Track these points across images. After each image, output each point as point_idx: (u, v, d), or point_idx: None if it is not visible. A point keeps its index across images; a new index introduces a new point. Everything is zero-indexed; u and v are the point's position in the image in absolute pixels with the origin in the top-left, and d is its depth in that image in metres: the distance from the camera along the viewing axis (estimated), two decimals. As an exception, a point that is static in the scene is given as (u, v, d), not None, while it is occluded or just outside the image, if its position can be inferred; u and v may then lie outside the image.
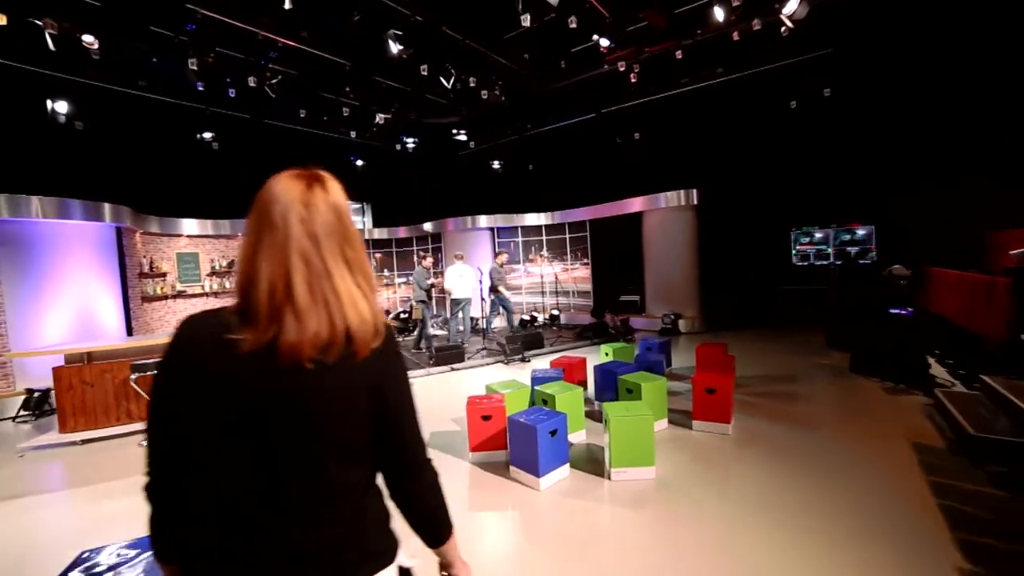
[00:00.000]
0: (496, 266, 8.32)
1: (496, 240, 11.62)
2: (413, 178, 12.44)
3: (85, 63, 6.54)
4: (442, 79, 7.40)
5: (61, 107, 6.87)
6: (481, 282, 8.25)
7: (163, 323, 8.28)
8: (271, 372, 0.81)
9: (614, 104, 9.48)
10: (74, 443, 4.72)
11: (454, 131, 9.94)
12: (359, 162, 11.45)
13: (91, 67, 6.76)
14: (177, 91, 7.96)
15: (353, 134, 9.96)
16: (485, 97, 7.85)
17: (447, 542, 1.00)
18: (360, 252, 0.90)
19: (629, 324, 8.93)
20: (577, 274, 11.16)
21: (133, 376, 4.69)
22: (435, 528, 0.99)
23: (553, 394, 3.95)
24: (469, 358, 7.42)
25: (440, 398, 5.55)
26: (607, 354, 5.96)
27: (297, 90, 8.12)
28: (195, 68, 6.37)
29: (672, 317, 8.77)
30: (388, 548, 0.93)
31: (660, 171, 9.44)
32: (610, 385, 4.58)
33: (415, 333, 8.37)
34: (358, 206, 13.55)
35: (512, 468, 3.45)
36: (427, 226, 11.89)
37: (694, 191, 8.77)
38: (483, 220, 11.27)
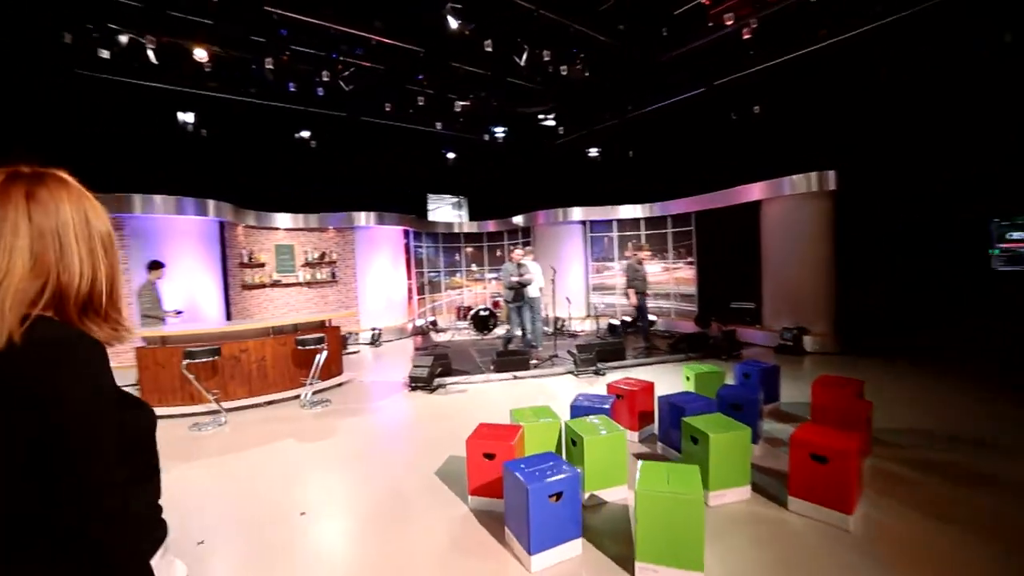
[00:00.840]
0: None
1: (588, 234, 10.60)
2: (503, 170, 11.96)
3: (202, 76, 7.10)
4: (515, 58, 6.67)
5: (187, 117, 7.64)
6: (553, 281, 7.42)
7: (261, 309, 8.93)
8: None
9: (729, 74, 7.84)
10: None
11: (540, 117, 9.16)
12: (451, 155, 11.29)
13: (208, 79, 7.33)
14: (277, 95, 8.41)
15: (439, 125, 9.74)
16: (565, 73, 6.94)
17: None
18: None
19: (735, 337, 7.33)
20: (680, 275, 9.66)
21: (184, 362, 4.82)
22: None
23: (582, 435, 3.02)
24: (537, 365, 6.65)
25: (488, 410, 4.87)
26: (688, 378, 4.75)
27: (380, 83, 8.05)
28: (271, 67, 6.55)
29: (794, 332, 6.98)
30: None
31: (785, 150, 7.60)
32: (677, 424, 3.47)
33: (503, 335, 7.71)
34: (456, 199, 13.53)
35: (507, 530, 2.64)
36: (517, 219, 11.33)
37: (831, 173, 6.84)
38: (576, 213, 10.35)
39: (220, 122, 8.14)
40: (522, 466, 2.61)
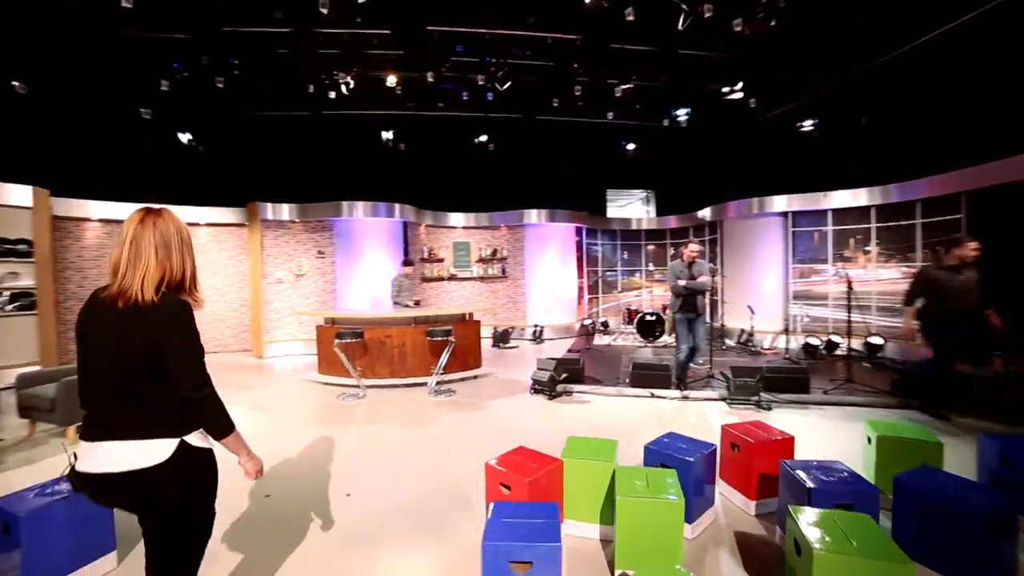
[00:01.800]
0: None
1: (790, 229, 8.42)
2: (689, 159, 10.50)
3: (401, 98, 8.27)
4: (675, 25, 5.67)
5: (388, 134, 9.10)
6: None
7: (439, 300, 9.97)
8: None
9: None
10: (316, 382, 6.21)
11: (725, 90, 7.62)
12: (630, 146, 10.51)
13: (406, 100, 8.51)
14: (459, 105, 9.18)
15: (611, 115, 9.12)
16: (741, 29, 5.57)
17: (227, 439, 1.54)
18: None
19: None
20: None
21: (335, 341, 5.66)
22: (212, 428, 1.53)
23: (620, 494, 2.29)
24: (687, 385, 5.58)
25: (594, 426, 4.29)
26: (869, 440, 3.22)
27: (546, 81, 7.97)
28: (432, 79, 7.13)
29: None
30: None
31: None
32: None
33: (679, 358, 5.62)
34: (643, 194, 12.61)
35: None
36: (703, 213, 9.83)
37: None
38: (776, 203, 8.37)
39: (409, 134, 9.37)
40: (507, 513, 2.11)
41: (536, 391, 5.65)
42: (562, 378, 5.73)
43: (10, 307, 6.32)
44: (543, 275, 10.03)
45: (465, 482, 3.30)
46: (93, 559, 2.34)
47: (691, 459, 2.67)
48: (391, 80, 7.61)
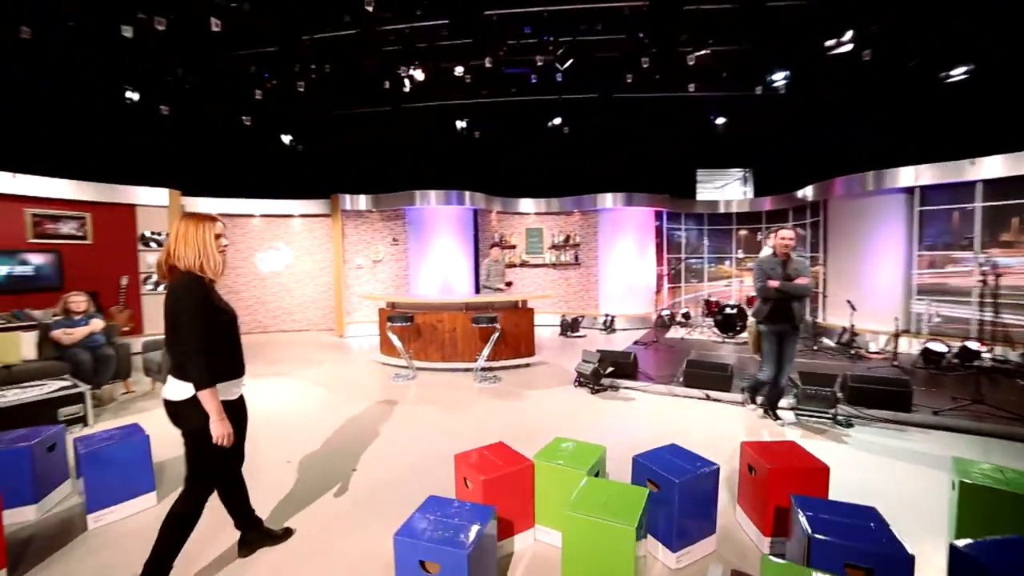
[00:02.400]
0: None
1: (916, 208, 6.89)
2: (789, 131, 9.09)
3: (473, 87, 8.36)
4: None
5: (461, 123, 9.27)
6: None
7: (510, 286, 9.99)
8: None
9: None
10: (379, 363, 6.64)
11: (829, 44, 6.38)
12: (719, 120, 9.43)
13: (480, 87, 8.57)
14: (533, 89, 8.98)
15: (692, 87, 8.24)
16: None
17: (201, 393, 1.96)
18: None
19: None
20: None
21: (388, 324, 5.96)
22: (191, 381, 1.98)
23: (573, 511, 2.07)
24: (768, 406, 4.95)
25: (627, 426, 4.00)
26: (953, 485, 2.51)
27: (620, 54, 7.45)
28: (490, 65, 7.02)
29: None
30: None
31: None
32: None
33: (751, 379, 4.62)
34: (741, 173, 11.32)
35: None
36: (804, 192, 8.52)
37: None
38: (901, 175, 6.93)
39: (483, 122, 9.40)
40: (436, 510, 2.03)
41: (580, 383, 5.40)
42: (607, 372, 5.40)
43: (153, 286, 7.69)
44: (618, 262, 9.51)
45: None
46: (137, 495, 2.89)
47: (676, 479, 2.31)
48: (459, 70, 7.69)
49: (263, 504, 2.79)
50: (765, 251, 5.28)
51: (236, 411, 2.18)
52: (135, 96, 6.76)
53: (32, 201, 6.45)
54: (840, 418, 4.14)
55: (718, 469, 2.48)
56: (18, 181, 6.31)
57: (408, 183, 8.83)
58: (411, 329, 6.37)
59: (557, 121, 9.30)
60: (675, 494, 2.28)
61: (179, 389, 2.00)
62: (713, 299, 8.43)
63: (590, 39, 7.25)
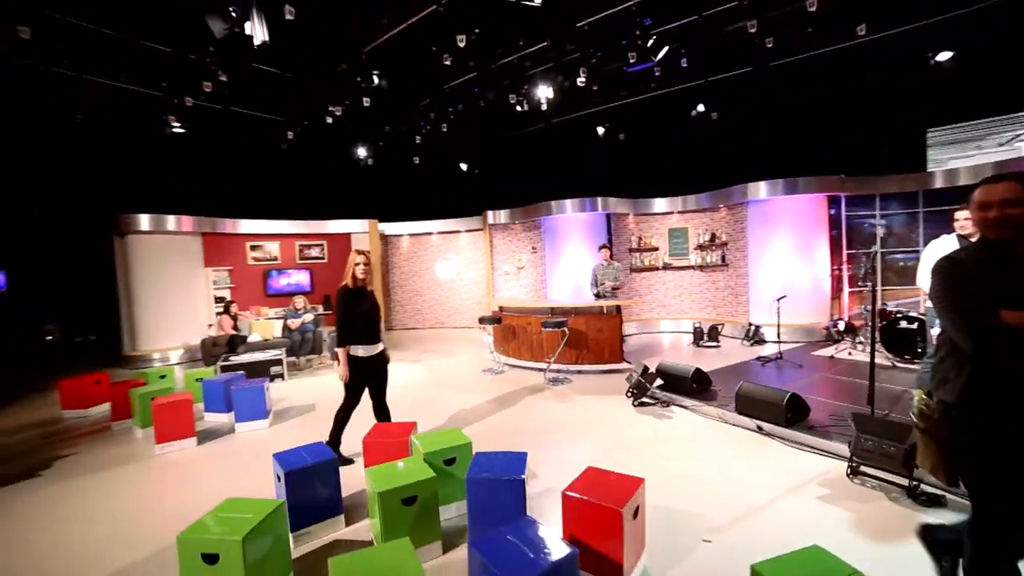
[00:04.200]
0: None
1: None
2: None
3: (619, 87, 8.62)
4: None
5: (600, 129, 9.58)
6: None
7: (650, 290, 9.57)
8: None
9: None
10: (491, 358, 7.73)
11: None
12: (943, 56, 6.97)
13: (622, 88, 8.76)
14: (668, 79, 8.54)
15: (862, 29, 6.43)
16: None
17: (339, 350, 3.58)
18: None
19: None
20: None
21: (480, 324, 6.95)
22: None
23: (380, 511, 2.66)
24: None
25: (632, 439, 4.02)
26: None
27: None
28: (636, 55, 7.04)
29: None
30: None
31: None
32: None
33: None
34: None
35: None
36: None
37: None
38: None
39: (624, 122, 9.37)
40: (290, 458, 2.90)
41: (629, 393, 5.26)
42: (655, 384, 5.09)
43: (368, 290, 10.72)
44: (773, 262, 8.07)
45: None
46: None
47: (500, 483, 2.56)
48: (581, 79, 8.10)
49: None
50: (947, 241, 3.55)
51: (366, 364, 3.65)
52: (363, 152, 9.68)
53: (294, 236, 9.97)
54: (922, 494, 3.02)
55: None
56: (287, 224, 9.87)
57: (545, 194, 9.62)
58: (507, 330, 7.20)
59: (700, 108, 8.56)
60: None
61: (376, 347, 3.72)
62: (892, 307, 6.29)
63: (714, 11, 6.54)
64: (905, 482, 3.01)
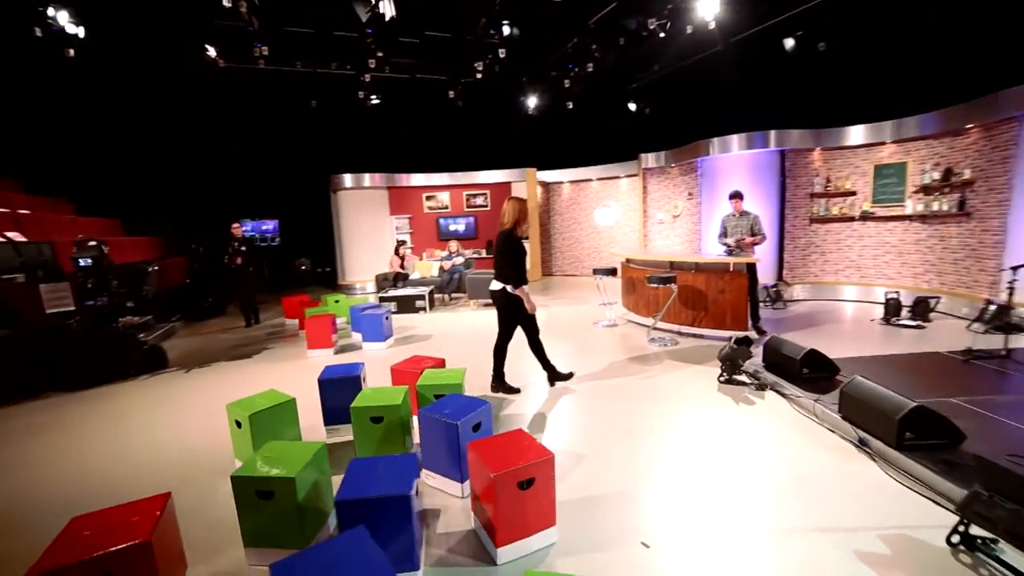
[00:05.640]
0: None
1: None
2: None
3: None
4: None
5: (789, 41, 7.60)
6: None
7: (838, 246, 7.43)
8: None
9: None
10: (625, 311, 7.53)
11: None
12: None
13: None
14: None
15: None
16: None
17: (518, 288, 3.91)
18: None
19: None
20: None
21: (595, 275, 6.77)
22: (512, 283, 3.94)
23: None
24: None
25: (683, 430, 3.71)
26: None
27: None
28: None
29: None
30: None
31: None
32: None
33: None
34: None
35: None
36: None
37: None
38: None
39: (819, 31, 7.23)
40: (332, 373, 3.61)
41: (723, 368, 4.53)
42: (745, 365, 4.25)
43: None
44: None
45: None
46: (380, 340, 5.68)
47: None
48: None
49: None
50: None
51: (528, 300, 3.96)
52: (531, 102, 10.09)
53: (461, 187, 11.07)
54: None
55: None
56: (455, 176, 10.99)
57: (703, 131, 8.30)
58: (628, 283, 6.82)
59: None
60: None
61: (496, 285, 3.97)
62: None
63: None
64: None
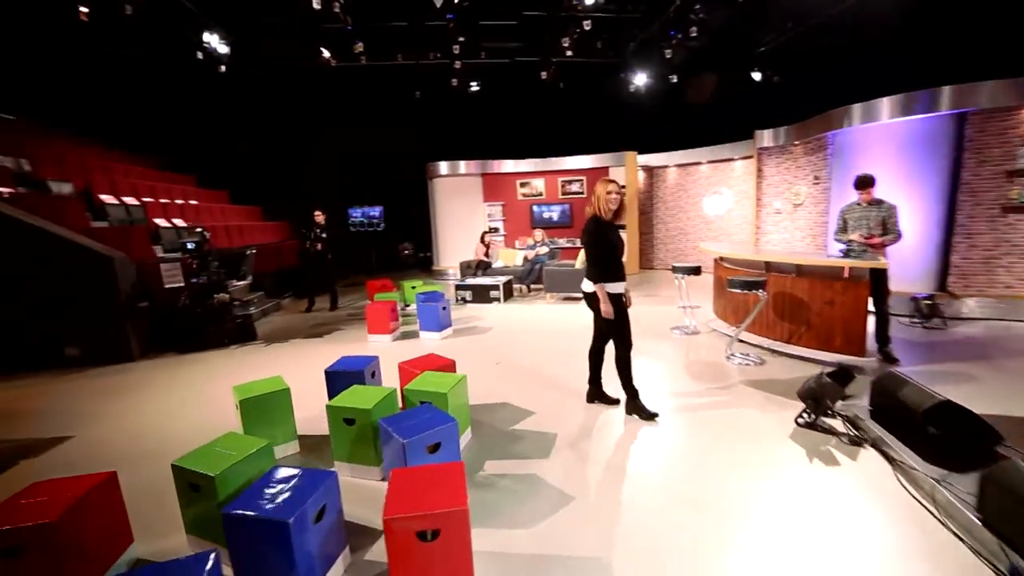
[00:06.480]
0: None
1: None
2: None
3: None
4: None
5: None
6: None
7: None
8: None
9: None
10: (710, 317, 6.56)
11: None
12: None
13: None
14: None
15: None
16: None
17: (595, 286, 3.26)
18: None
19: None
20: None
21: (674, 274, 5.90)
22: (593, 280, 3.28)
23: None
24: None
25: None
26: None
27: None
28: None
29: None
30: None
31: None
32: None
33: None
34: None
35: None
36: None
37: None
38: None
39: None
40: (342, 365, 3.61)
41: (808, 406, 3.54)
42: (841, 406, 3.23)
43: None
44: None
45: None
46: (442, 329, 5.74)
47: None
48: None
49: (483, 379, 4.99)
50: None
51: (617, 302, 3.29)
52: (639, 80, 9.28)
53: (557, 173, 10.56)
54: None
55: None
56: (550, 161, 10.52)
57: (839, 98, 6.64)
58: (718, 284, 5.80)
59: None
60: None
61: (587, 285, 3.33)
62: None
63: None
64: None
